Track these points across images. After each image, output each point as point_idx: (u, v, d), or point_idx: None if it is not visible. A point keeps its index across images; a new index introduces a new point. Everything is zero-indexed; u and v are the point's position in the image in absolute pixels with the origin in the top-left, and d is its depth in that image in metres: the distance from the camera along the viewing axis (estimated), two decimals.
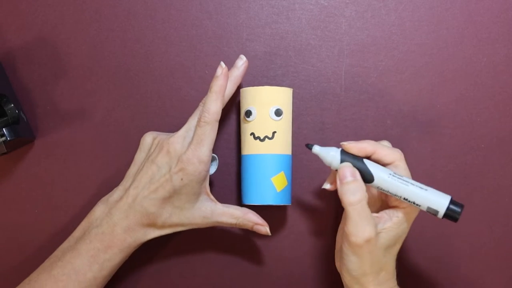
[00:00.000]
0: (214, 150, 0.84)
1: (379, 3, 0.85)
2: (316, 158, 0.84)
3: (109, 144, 0.85)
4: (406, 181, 0.71)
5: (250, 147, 0.79)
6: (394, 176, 0.71)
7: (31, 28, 0.85)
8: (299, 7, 0.85)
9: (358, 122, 0.84)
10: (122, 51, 0.85)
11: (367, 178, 0.72)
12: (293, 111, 0.84)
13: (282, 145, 0.79)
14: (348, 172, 0.72)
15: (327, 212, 0.85)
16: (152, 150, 0.78)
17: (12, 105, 0.81)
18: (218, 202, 0.78)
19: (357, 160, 0.73)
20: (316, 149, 0.74)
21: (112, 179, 0.84)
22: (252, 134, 0.79)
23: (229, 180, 0.85)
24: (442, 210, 0.69)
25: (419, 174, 0.84)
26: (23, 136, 0.82)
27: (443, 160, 0.84)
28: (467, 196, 0.84)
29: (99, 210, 0.78)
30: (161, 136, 0.78)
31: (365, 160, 0.73)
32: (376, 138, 0.84)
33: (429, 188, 0.71)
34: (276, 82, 0.84)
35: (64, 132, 0.85)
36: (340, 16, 0.85)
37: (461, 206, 0.70)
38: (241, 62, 0.80)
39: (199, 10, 0.85)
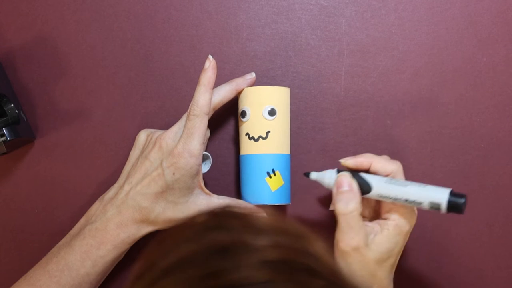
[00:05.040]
0: (213, 150, 0.84)
1: (379, 3, 0.85)
2: (316, 158, 0.84)
3: (109, 144, 0.85)
4: (404, 183, 0.71)
5: (245, 147, 0.79)
6: (391, 181, 0.72)
7: (31, 28, 0.85)
8: (299, 7, 0.85)
9: (358, 122, 0.84)
10: (122, 51, 0.85)
11: (365, 188, 0.73)
12: (293, 111, 0.84)
13: (276, 145, 0.79)
14: (345, 181, 0.73)
15: (327, 212, 0.84)
16: (146, 146, 0.78)
17: (12, 105, 0.81)
18: (212, 194, 0.78)
19: (353, 173, 0.74)
20: (313, 175, 0.76)
21: (111, 178, 0.84)
22: (247, 134, 0.79)
23: (228, 180, 0.85)
24: (444, 203, 0.68)
25: (419, 174, 0.84)
26: (23, 136, 0.82)
27: (443, 160, 0.84)
28: (467, 196, 0.84)
29: (95, 207, 0.78)
30: (156, 132, 0.79)
31: (361, 173, 0.74)
32: (376, 138, 0.84)
33: (427, 185, 0.70)
34: (276, 82, 0.84)
35: (64, 132, 0.85)
36: (340, 16, 0.85)
37: (463, 196, 0.69)
38: (250, 76, 0.80)
39: (199, 10, 0.85)
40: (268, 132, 0.78)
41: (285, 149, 0.80)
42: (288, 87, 0.82)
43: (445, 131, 0.84)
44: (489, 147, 0.84)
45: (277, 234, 0.46)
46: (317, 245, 0.47)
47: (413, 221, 0.73)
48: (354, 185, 0.73)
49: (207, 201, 0.77)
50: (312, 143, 0.84)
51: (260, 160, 0.78)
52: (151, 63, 0.85)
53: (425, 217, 0.83)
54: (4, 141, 0.79)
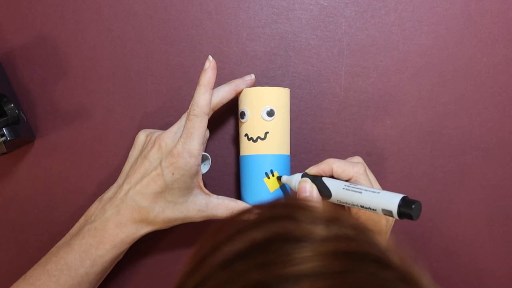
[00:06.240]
0: (213, 150, 0.84)
1: (379, 3, 0.85)
2: (316, 158, 0.84)
3: (109, 144, 0.85)
4: (360, 189, 0.70)
5: (244, 148, 0.79)
6: (348, 187, 0.71)
7: (31, 28, 0.85)
8: (299, 7, 0.85)
9: (358, 122, 0.84)
10: (122, 51, 0.85)
11: (326, 193, 0.73)
12: (293, 111, 0.84)
13: (275, 146, 0.79)
14: (306, 187, 0.74)
15: None
16: (145, 146, 0.78)
17: (12, 105, 0.81)
18: (212, 194, 0.78)
19: (315, 178, 0.75)
20: (284, 178, 0.78)
21: (111, 178, 0.84)
22: (246, 135, 0.79)
23: (228, 181, 0.85)
24: (394, 210, 0.67)
25: (419, 174, 0.84)
26: (23, 136, 0.82)
27: (443, 160, 0.84)
28: (467, 196, 0.84)
29: (94, 207, 0.78)
30: (155, 132, 0.79)
31: (324, 178, 0.74)
32: (376, 138, 0.84)
33: (382, 191, 0.69)
34: (275, 82, 0.84)
35: (64, 132, 0.85)
36: (340, 16, 0.85)
37: (414, 203, 0.67)
38: (249, 78, 0.81)
39: (199, 10, 0.85)
40: (266, 133, 0.78)
41: (284, 150, 0.80)
42: (288, 87, 0.82)
43: (445, 131, 0.84)
44: (489, 147, 0.84)
45: (344, 226, 0.47)
46: (379, 237, 0.48)
47: (382, 223, 0.73)
48: (314, 191, 0.74)
49: (206, 201, 0.77)
50: (312, 143, 0.84)
51: (258, 160, 0.78)
52: (151, 63, 0.85)
53: (424, 216, 0.83)
54: (4, 141, 0.79)
